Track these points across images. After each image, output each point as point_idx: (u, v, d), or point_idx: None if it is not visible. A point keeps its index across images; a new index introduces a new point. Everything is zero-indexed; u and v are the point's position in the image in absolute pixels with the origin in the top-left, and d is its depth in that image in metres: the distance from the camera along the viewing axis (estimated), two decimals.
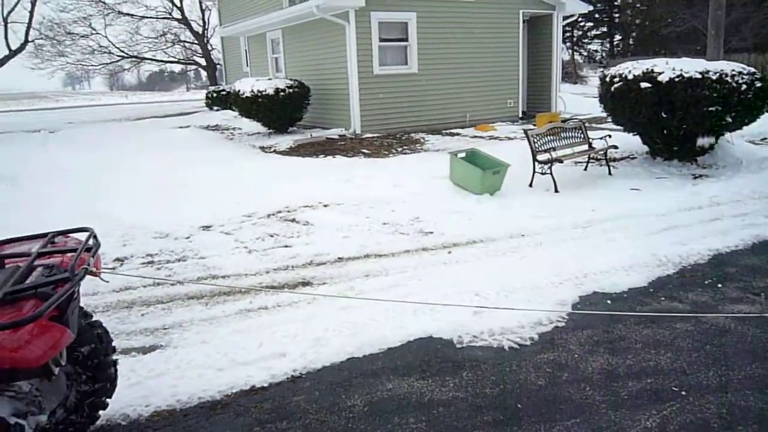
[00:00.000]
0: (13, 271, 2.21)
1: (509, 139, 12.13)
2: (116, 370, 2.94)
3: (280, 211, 7.26)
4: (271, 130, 13.66)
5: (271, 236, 6.32)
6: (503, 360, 3.52)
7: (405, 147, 11.71)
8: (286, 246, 5.99)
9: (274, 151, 11.83)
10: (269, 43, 16.43)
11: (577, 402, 3.06)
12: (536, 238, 6.01)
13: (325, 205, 7.48)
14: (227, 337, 3.94)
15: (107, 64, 27.82)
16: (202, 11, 27.95)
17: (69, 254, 2.47)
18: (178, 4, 27.12)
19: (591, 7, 20.09)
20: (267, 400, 3.17)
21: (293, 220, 6.89)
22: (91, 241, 2.51)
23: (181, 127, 16.45)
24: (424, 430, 2.87)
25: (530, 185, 8.08)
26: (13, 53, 21.21)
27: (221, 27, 20.69)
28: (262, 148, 12.12)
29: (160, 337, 4.04)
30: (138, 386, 3.34)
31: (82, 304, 2.81)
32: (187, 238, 6.40)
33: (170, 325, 4.25)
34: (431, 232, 6.34)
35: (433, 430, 2.87)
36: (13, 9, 21.11)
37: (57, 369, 2.03)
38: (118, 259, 5.79)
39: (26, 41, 21.72)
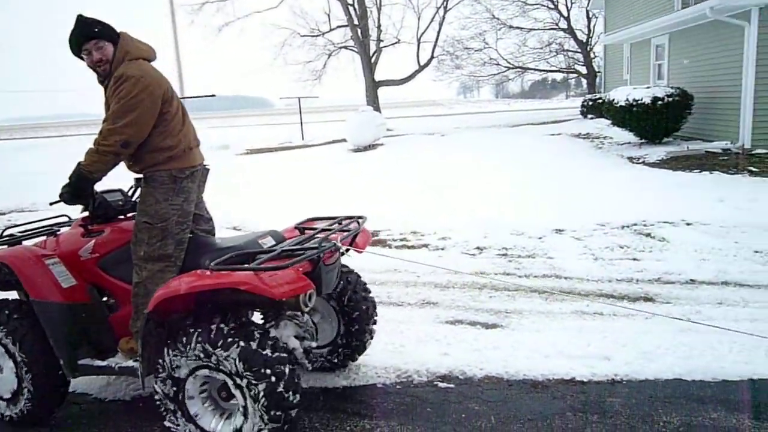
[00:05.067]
0: (297, 239, 3.27)
1: None
2: (374, 321, 3.80)
3: (635, 224, 7.14)
4: (642, 141, 13.13)
5: (621, 247, 6.34)
6: None
7: None
8: (635, 259, 5.95)
9: (643, 162, 11.39)
10: (653, 50, 15.68)
11: None
12: None
13: (688, 224, 7.02)
14: (558, 332, 4.29)
15: (495, 74, 30.55)
16: (588, 20, 28.09)
17: (341, 233, 3.28)
18: (566, 15, 27.91)
19: None
20: (583, 393, 3.42)
21: (648, 235, 6.72)
22: (352, 225, 3.37)
23: (553, 135, 17.12)
24: None
25: None
26: (421, 68, 25.30)
27: (605, 35, 20.57)
28: (630, 159, 11.80)
29: (501, 318, 4.65)
30: (477, 353, 3.99)
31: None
32: (540, 238, 6.92)
33: (512, 310, 4.82)
34: None
35: None
36: (425, 30, 25.16)
37: (307, 308, 2.77)
38: (478, 248, 6.69)
39: (432, 57, 25.61)
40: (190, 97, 20.81)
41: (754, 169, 9.81)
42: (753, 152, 10.92)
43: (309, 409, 3.40)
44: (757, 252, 5.92)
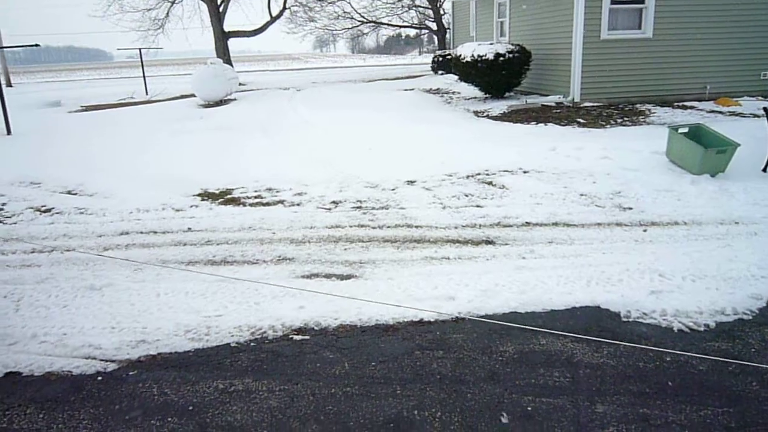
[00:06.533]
0: None
1: (755, 116, 10.66)
2: None
3: (479, 174, 7.59)
4: (487, 95, 13.89)
5: (466, 195, 6.72)
6: (668, 340, 3.47)
7: (626, 118, 11.05)
8: (478, 206, 6.34)
9: (487, 116, 12.08)
10: (496, 7, 16.48)
11: (737, 392, 2.95)
12: (751, 228, 5.47)
13: (525, 172, 7.60)
14: (409, 277, 4.48)
15: (349, 28, 30.43)
16: None
17: None
18: None
19: None
20: (430, 333, 3.63)
21: (490, 183, 7.18)
22: None
23: (406, 90, 17.52)
24: (567, 385, 3.06)
25: (764, 170, 7.18)
26: (273, 19, 24.42)
27: None
28: (476, 113, 12.46)
29: (356, 269, 4.75)
30: (332, 304, 4.05)
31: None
32: (393, 189, 7.11)
33: (366, 260, 4.93)
34: (630, 208, 6.13)
35: (576, 387, 3.04)
36: None
37: None
38: (334, 202, 6.73)
39: (284, 8, 24.79)
40: (10, 47, 18.42)
41: (581, 121, 10.83)
42: (581, 105, 12.03)
43: (159, 377, 3.25)
44: (582, 195, 6.59)
